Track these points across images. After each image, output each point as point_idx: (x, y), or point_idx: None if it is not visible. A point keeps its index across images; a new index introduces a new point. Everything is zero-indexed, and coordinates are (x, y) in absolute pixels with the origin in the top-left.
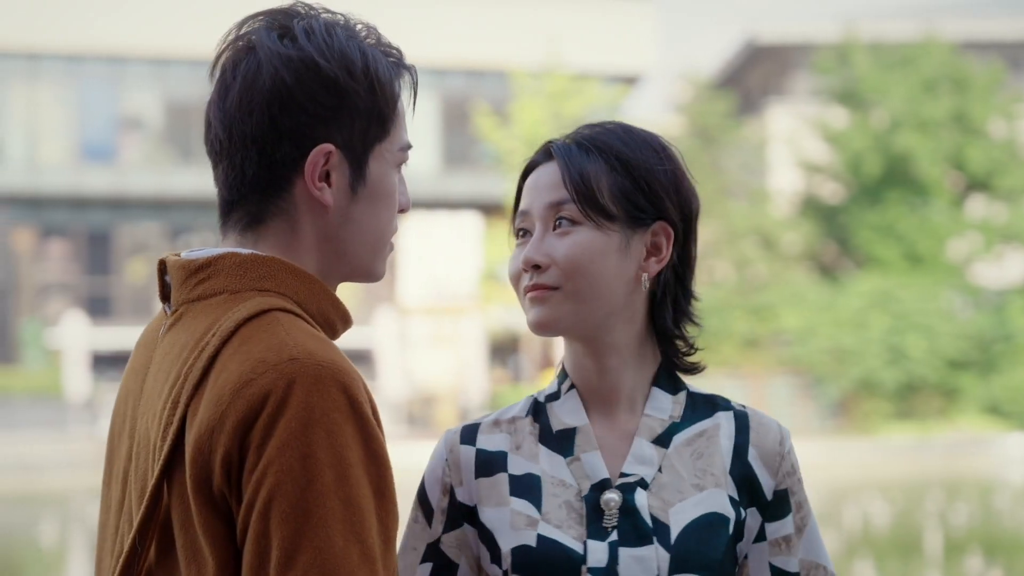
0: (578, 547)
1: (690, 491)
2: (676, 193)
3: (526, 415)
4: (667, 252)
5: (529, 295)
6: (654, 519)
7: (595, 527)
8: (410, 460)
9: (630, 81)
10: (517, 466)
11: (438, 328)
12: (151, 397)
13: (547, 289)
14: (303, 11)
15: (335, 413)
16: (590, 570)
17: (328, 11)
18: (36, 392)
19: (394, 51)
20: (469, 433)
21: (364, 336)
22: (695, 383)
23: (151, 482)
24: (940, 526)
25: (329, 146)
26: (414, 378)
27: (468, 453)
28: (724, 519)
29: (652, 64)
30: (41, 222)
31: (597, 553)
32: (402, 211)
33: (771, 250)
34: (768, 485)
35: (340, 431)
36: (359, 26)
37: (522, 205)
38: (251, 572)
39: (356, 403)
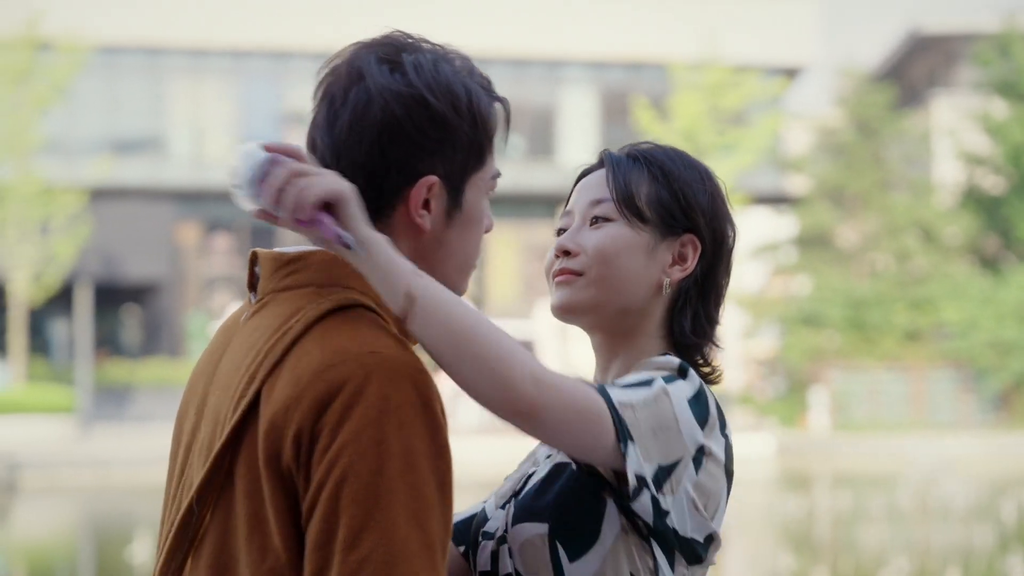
0: (489, 512)
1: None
2: (711, 215)
3: None
4: (692, 263)
5: (556, 279)
6: (531, 482)
7: (517, 493)
8: None
9: (790, 74)
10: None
11: None
12: (226, 375)
13: (573, 274)
14: (408, 44)
15: (408, 407)
16: (482, 533)
17: (426, 41)
18: None
19: (486, 82)
20: None
21: (525, 328)
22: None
23: (216, 449)
24: None
25: (434, 178)
26: (574, 369)
27: None
28: (567, 466)
29: (813, 56)
30: (206, 216)
31: (494, 519)
32: (486, 231)
33: (932, 242)
34: None
35: (411, 424)
36: (456, 58)
37: (568, 205)
38: (316, 548)
39: (427, 400)
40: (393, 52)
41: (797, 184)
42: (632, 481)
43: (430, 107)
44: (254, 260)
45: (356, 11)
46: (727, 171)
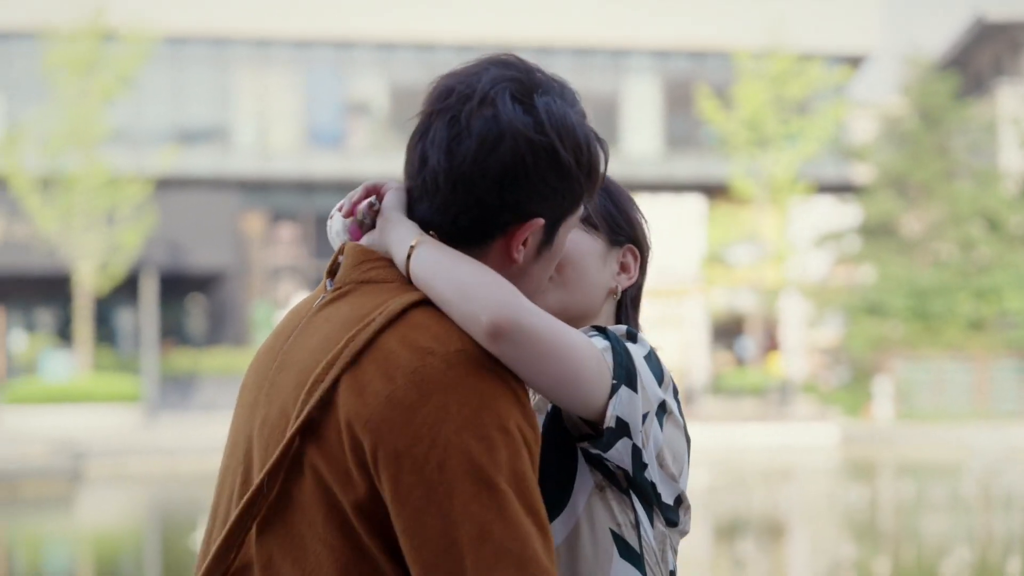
0: None
1: None
2: (643, 233)
3: None
4: (635, 272)
5: None
6: None
7: None
8: None
9: (854, 62)
10: None
11: (662, 310)
12: (298, 358)
13: None
14: (535, 80)
15: (502, 399)
16: None
17: (539, 70)
18: None
19: (584, 116)
20: None
21: None
22: None
23: (290, 430)
24: None
25: (541, 220)
26: None
27: None
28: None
29: (877, 44)
30: (271, 206)
31: None
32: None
33: (997, 231)
34: None
35: (508, 415)
36: (568, 94)
37: None
38: (443, 551)
39: (518, 392)
40: (525, 92)
41: (861, 173)
42: (611, 423)
43: (558, 157)
44: (340, 250)
45: (418, 0)
46: (791, 160)
